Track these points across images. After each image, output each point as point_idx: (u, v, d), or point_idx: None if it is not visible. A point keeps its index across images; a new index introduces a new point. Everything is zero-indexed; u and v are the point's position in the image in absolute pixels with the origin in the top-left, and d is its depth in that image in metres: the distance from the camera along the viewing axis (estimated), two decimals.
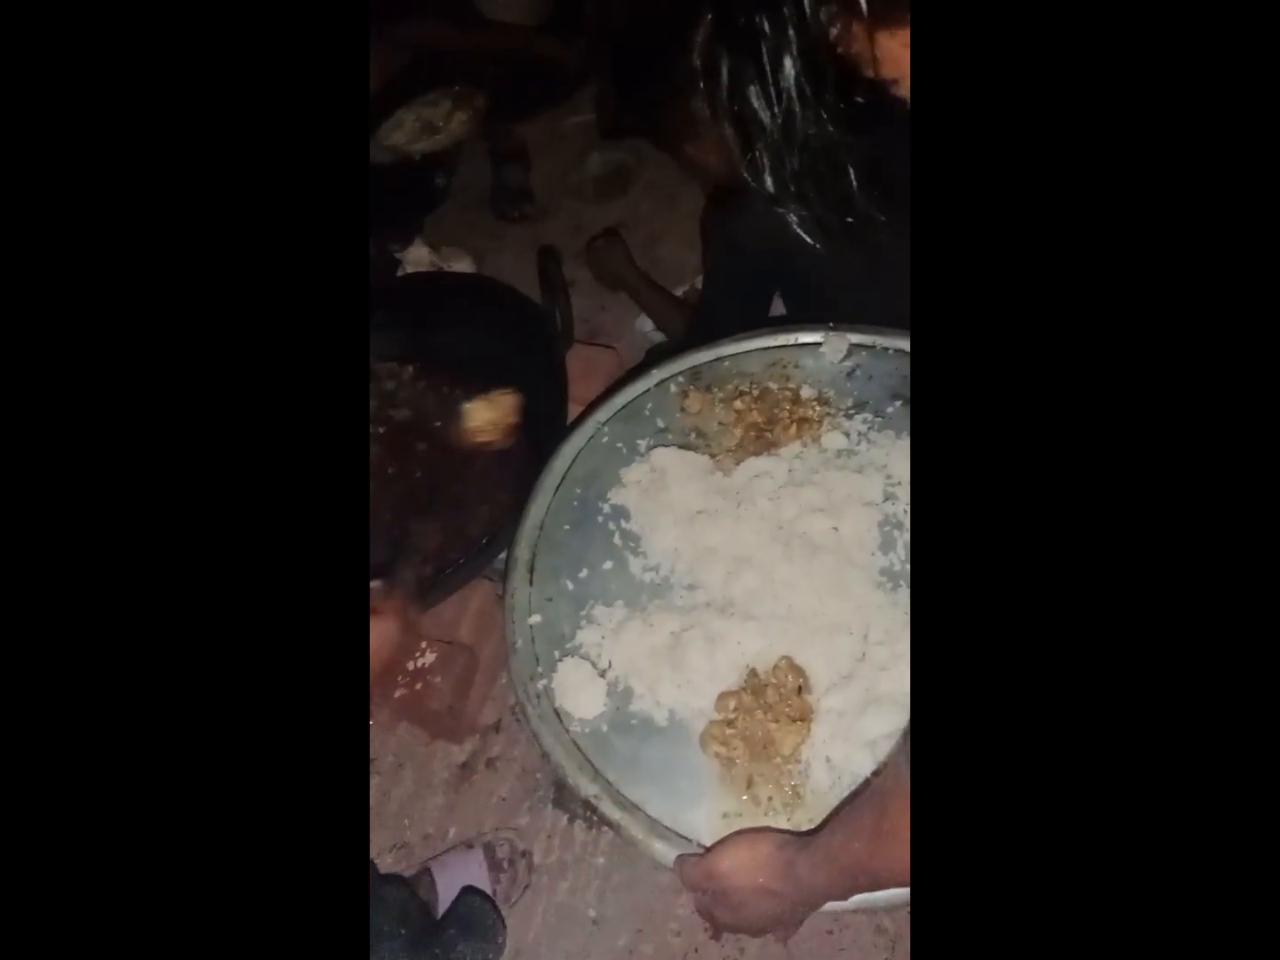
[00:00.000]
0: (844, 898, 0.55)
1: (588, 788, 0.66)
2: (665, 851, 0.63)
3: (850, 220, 0.45)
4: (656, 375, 0.91)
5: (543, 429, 0.97)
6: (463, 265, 1.54)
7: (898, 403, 0.82)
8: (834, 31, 0.37)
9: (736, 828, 0.62)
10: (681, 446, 0.83)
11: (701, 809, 0.65)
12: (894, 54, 0.38)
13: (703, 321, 1.13)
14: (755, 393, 0.86)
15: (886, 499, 0.75)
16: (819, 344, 0.87)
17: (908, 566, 0.72)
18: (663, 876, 1.05)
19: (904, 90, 0.40)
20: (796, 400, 0.84)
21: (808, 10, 0.37)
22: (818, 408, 0.83)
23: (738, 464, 0.81)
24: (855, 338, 0.86)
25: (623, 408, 0.89)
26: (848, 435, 0.80)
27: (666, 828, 0.64)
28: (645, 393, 0.90)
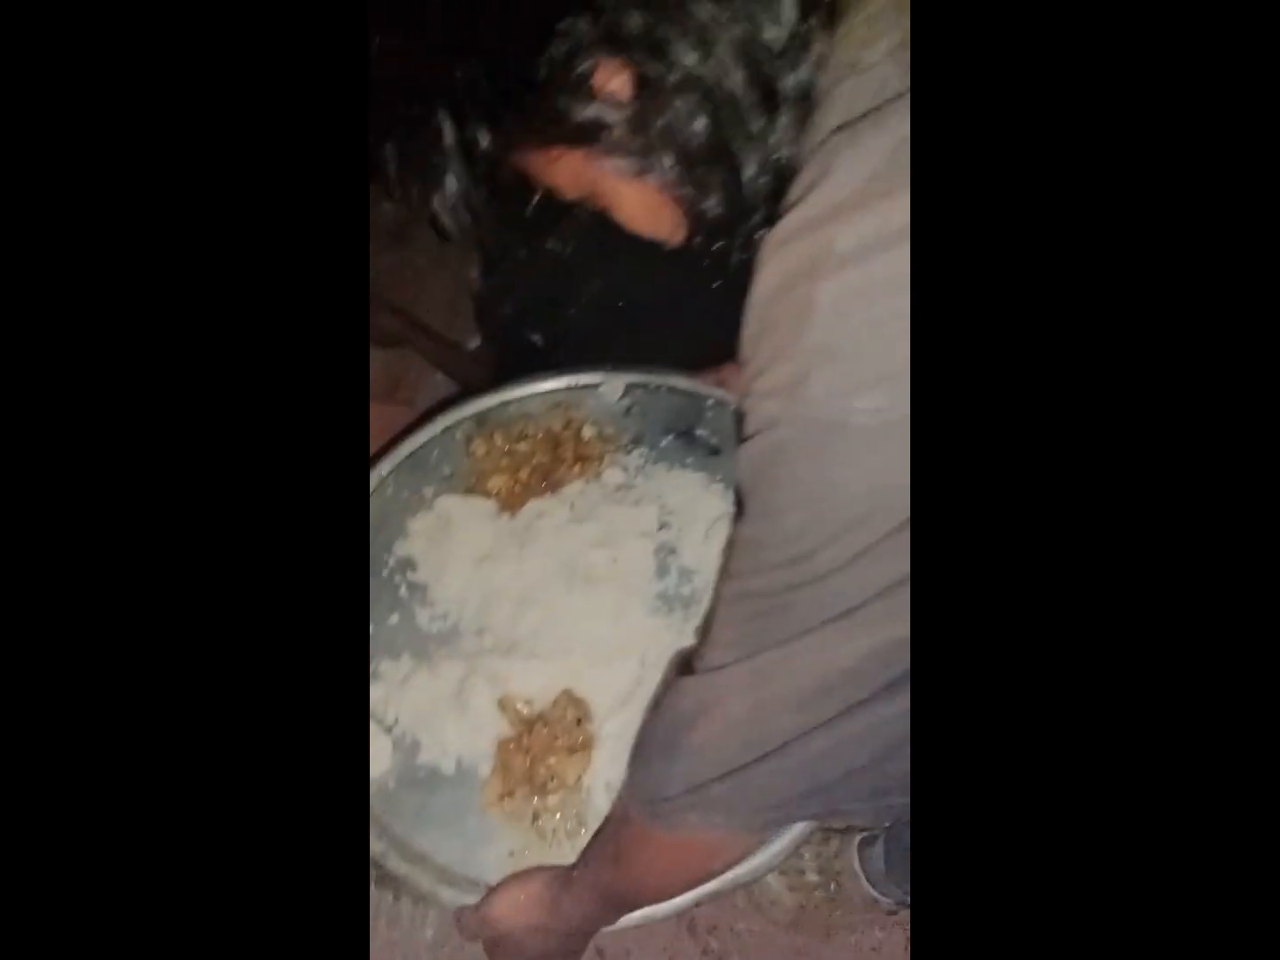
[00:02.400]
0: (611, 921, 0.59)
1: (373, 846, 0.67)
2: (454, 898, 0.65)
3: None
4: (441, 422, 0.94)
5: None
6: None
7: (670, 436, 0.90)
8: (484, 146, 0.44)
9: (525, 864, 0.65)
10: (466, 492, 0.87)
11: (490, 850, 0.67)
12: (538, 167, 0.46)
13: (487, 371, 1.18)
14: (539, 434, 0.92)
15: (661, 527, 0.82)
16: (598, 385, 0.94)
17: (682, 589, 0.79)
18: None
19: (568, 195, 0.47)
20: (578, 439, 0.90)
21: (447, 134, 0.43)
22: (598, 445, 0.90)
23: (522, 505, 0.85)
24: (630, 378, 0.94)
25: (408, 457, 0.92)
26: (625, 470, 0.87)
27: (455, 874, 0.66)
28: (431, 440, 0.93)
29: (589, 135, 0.43)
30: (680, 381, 0.94)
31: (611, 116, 0.42)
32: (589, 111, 0.42)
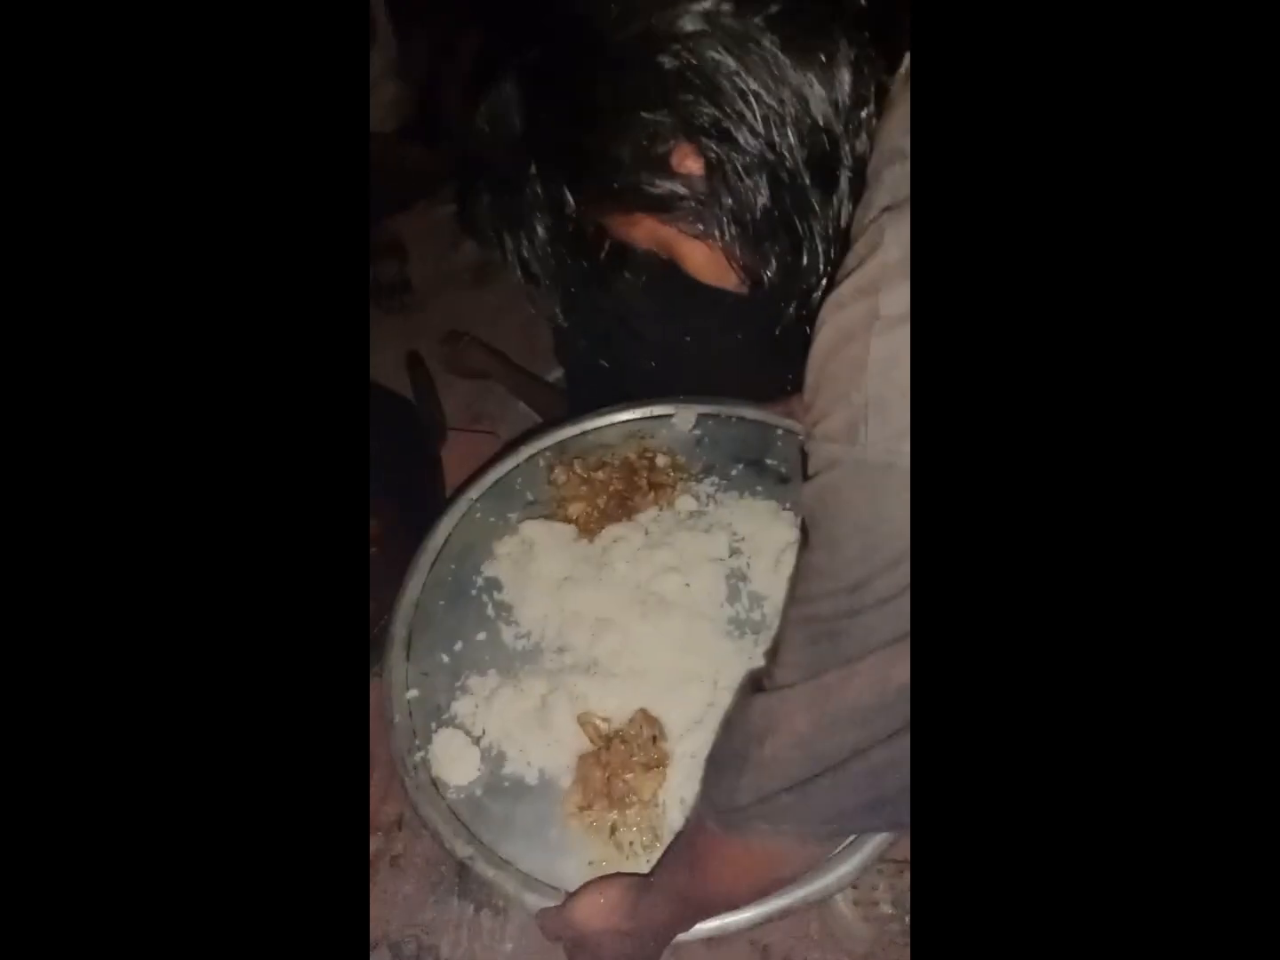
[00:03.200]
0: (686, 928, 0.63)
1: (462, 850, 0.73)
2: (537, 903, 0.70)
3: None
4: (525, 451, 1.01)
5: (421, 523, 1.05)
6: None
7: (740, 465, 0.94)
8: (570, 208, 0.50)
9: (602, 873, 0.69)
10: (548, 517, 0.93)
11: (570, 859, 0.72)
12: (618, 225, 0.52)
13: (570, 404, 1.25)
14: (616, 463, 0.97)
15: (732, 554, 0.86)
16: (671, 415, 0.99)
17: (753, 614, 0.82)
18: None
19: (643, 247, 0.53)
20: (653, 467, 0.95)
21: (539, 192, 0.49)
22: (672, 474, 0.94)
23: (599, 531, 0.90)
24: (702, 408, 0.98)
25: (494, 484, 0.99)
26: (697, 498, 0.91)
27: (538, 880, 0.71)
28: (515, 468, 1.00)
29: (665, 205, 0.49)
30: (750, 412, 0.98)
31: (685, 191, 0.47)
32: (666, 186, 0.48)
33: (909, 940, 1.06)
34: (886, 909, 1.08)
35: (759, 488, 0.92)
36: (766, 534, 0.86)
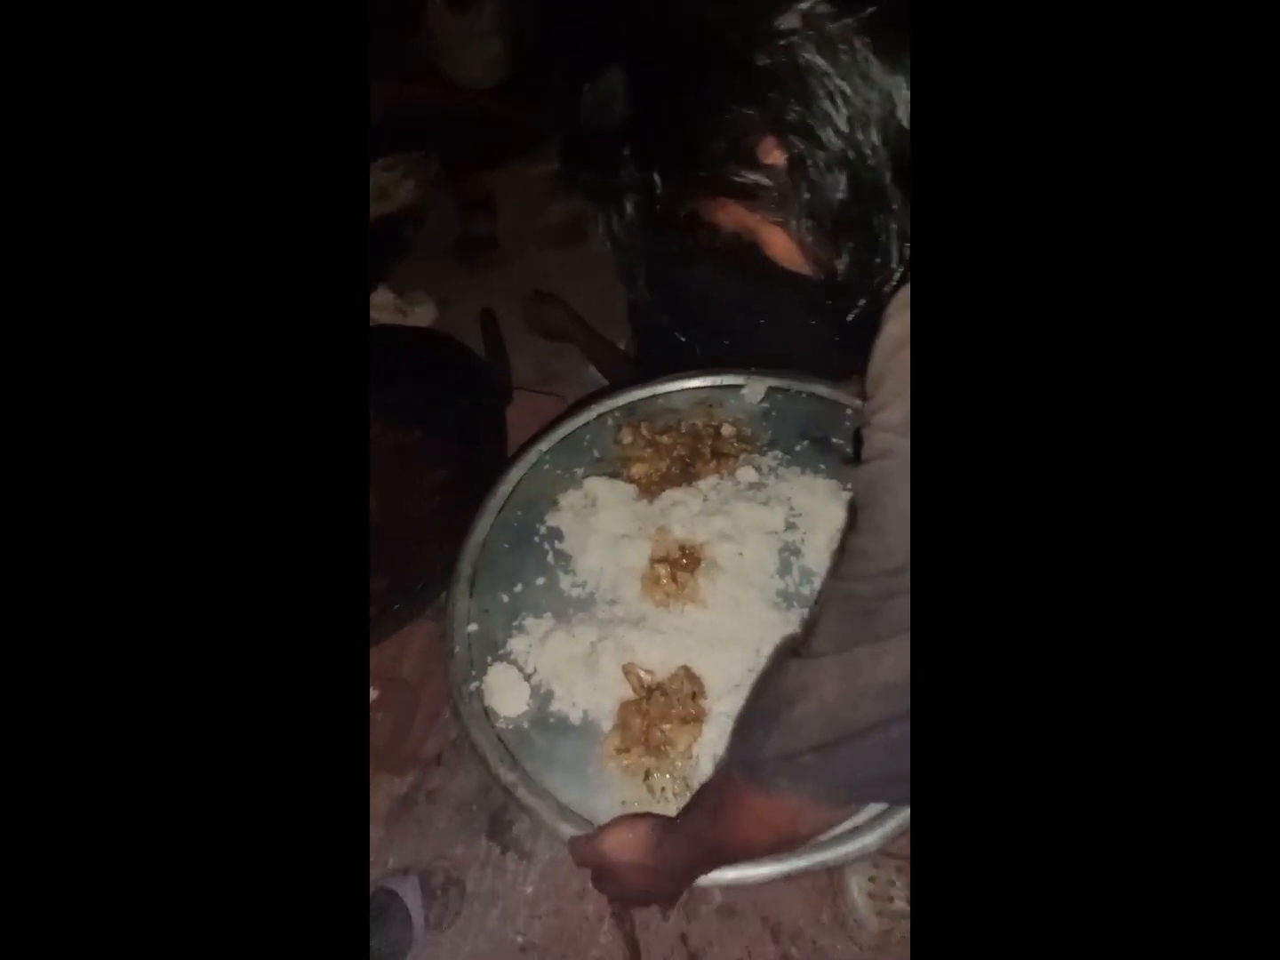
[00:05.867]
0: (705, 872, 0.68)
1: (507, 776, 0.79)
2: (570, 832, 0.75)
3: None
4: (595, 410, 1.06)
5: (483, 479, 1.11)
6: (426, 310, 1.70)
7: (805, 441, 0.97)
8: (659, 190, 0.55)
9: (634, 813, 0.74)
10: (612, 476, 0.98)
11: (605, 797, 0.77)
12: (705, 209, 0.57)
13: (640, 371, 1.30)
14: (682, 429, 1.01)
15: (788, 528, 0.90)
16: (741, 386, 1.03)
17: (801, 589, 0.86)
18: (587, 905, 1.16)
19: (728, 230, 0.58)
20: (718, 436, 0.99)
21: (633, 174, 0.55)
22: (736, 444, 0.98)
23: (659, 493, 0.95)
24: (773, 381, 1.02)
25: (564, 439, 1.04)
26: (759, 470, 0.95)
27: (574, 813, 0.76)
28: (585, 425, 1.05)
29: (750, 193, 0.53)
30: (821, 389, 1.01)
31: (768, 182, 0.51)
32: (751, 177, 0.52)
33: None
34: (901, 904, 1.10)
35: (822, 465, 0.95)
36: (824, 512, 0.90)
